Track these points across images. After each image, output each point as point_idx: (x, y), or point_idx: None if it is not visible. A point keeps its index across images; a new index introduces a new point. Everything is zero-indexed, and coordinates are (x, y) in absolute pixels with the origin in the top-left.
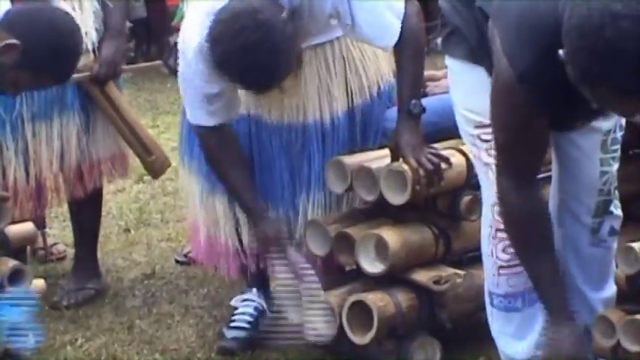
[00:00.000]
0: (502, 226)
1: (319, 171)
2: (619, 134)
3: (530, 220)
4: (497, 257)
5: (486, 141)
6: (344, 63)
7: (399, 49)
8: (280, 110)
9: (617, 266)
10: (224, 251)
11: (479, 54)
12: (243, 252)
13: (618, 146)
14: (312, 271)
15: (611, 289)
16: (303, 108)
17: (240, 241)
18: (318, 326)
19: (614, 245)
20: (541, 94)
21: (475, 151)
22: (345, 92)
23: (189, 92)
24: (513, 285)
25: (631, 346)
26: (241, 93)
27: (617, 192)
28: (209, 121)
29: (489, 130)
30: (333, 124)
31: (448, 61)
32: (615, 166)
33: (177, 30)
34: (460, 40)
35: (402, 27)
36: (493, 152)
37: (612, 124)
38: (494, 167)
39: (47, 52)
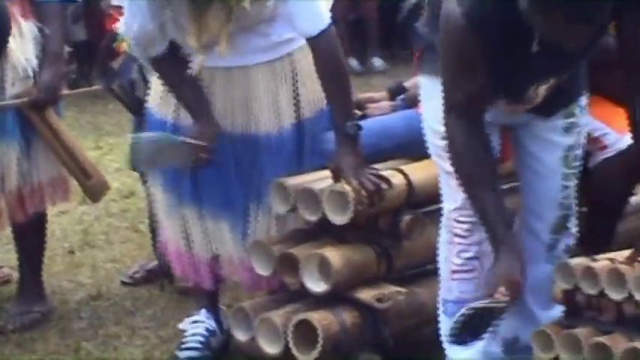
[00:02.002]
0: (460, 232)
1: (269, 183)
2: (579, 151)
3: (471, 152)
4: (452, 262)
5: None
6: (293, 78)
7: (321, 66)
8: (234, 120)
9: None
10: (197, 263)
11: None
12: (217, 263)
13: (579, 163)
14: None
15: (558, 309)
16: (255, 120)
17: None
18: None
19: None
20: (487, 34)
21: (439, 161)
22: (293, 105)
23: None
24: (463, 291)
25: None
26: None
27: (575, 208)
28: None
29: None
30: (281, 136)
31: (421, 78)
32: (575, 182)
33: (119, 53)
34: (431, 56)
35: (324, 40)
36: None
37: (574, 140)
38: (455, 175)
39: None
